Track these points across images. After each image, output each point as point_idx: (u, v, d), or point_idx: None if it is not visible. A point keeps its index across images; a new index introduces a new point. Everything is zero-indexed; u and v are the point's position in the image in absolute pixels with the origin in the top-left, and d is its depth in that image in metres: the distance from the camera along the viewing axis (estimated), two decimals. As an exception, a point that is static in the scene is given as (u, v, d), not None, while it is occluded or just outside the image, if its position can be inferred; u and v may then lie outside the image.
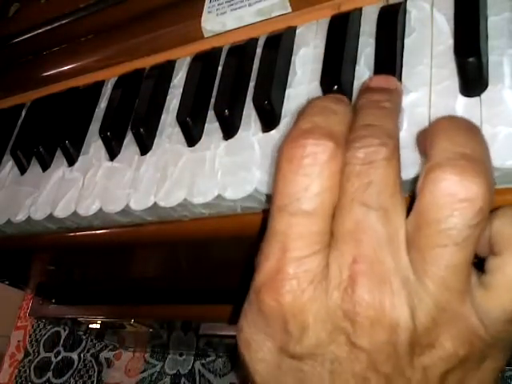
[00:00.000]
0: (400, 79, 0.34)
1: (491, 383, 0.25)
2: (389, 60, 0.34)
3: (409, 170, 0.30)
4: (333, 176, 0.24)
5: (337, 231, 0.24)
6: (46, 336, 0.89)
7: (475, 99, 0.31)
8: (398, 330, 0.22)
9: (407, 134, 0.32)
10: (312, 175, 0.23)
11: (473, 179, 0.22)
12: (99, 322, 0.72)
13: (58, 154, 0.48)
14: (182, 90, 0.44)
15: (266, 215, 0.37)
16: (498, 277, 0.24)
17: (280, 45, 0.40)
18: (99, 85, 0.51)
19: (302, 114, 0.26)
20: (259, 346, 0.25)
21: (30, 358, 0.89)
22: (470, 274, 0.23)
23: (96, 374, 0.85)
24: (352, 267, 0.23)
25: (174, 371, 0.84)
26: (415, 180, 0.24)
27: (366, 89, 0.30)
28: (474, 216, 0.22)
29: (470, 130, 0.24)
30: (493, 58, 0.32)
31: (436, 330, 0.23)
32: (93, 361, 0.86)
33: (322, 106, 0.26)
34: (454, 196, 0.22)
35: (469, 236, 0.22)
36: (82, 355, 0.86)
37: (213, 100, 0.42)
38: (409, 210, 0.24)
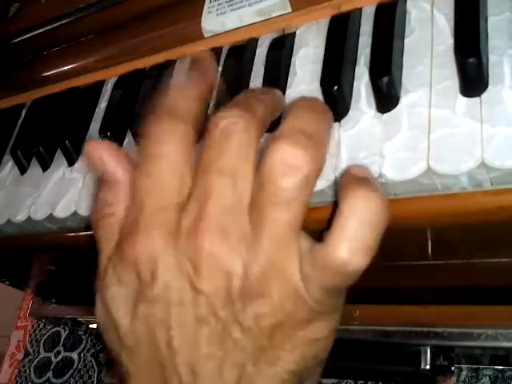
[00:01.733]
0: (400, 78, 0.34)
1: (318, 344, 0.28)
2: (384, 53, 0.34)
3: (409, 170, 0.31)
4: (185, 144, 0.27)
5: (192, 192, 0.27)
6: (46, 336, 0.89)
7: (475, 99, 0.31)
8: (232, 277, 0.25)
9: (407, 134, 0.32)
10: (165, 144, 0.27)
11: (303, 151, 0.25)
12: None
13: (58, 153, 0.48)
14: (182, 90, 0.44)
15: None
16: (322, 254, 0.26)
17: (280, 45, 0.40)
18: (99, 85, 0.51)
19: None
20: (119, 299, 0.28)
21: (29, 358, 0.89)
22: (297, 236, 0.26)
23: (96, 374, 0.85)
24: (198, 221, 0.26)
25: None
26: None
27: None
28: (300, 181, 0.25)
29: (318, 113, 0.29)
30: (493, 58, 0.32)
31: (266, 282, 0.26)
32: (93, 361, 0.86)
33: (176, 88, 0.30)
34: (285, 163, 0.25)
35: (296, 197, 0.25)
36: (82, 355, 0.86)
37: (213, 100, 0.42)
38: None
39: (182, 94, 0.29)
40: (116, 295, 0.28)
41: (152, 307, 0.26)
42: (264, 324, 0.26)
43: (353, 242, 0.25)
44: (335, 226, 0.26)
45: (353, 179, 0.28)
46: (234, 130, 0.27)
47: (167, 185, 0.27)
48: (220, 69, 0.43)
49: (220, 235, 0.25)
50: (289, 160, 0.25)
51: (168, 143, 0.27)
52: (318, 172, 0.26)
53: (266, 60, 0.41)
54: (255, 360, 0.26)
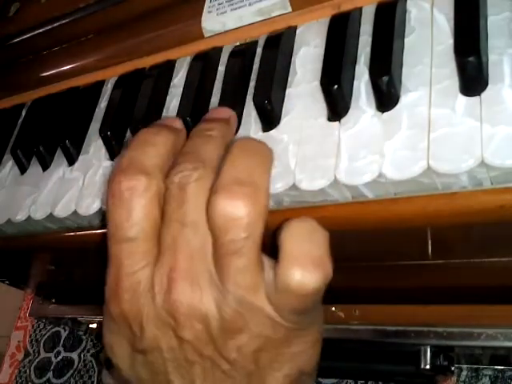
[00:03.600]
0: (400, 78, 0.34)
1: (303, 357, 0.30)
2: (384, 52, 0.34)
3: (409, 169, 0.31)
4: (149, 204, 0.28)
5: (161, 247, 0.29)
6: (46, 336, 0.89)
7: (475, 99, 0.31)
8: (209, 320, 0.28)
9: (407, 133, 0.32)
10: (130, 207, 0.28)
11: (239, 202, 0.27)
12: (99, 321, 0.72)
13: (58, 153, 0.48)
14: (181, 89, 0.44)
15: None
16: (279, 282, 0.27)
17: (280, 45, 0.40)
18: (99, 85, 0.51)
19: (127, 146, 0.31)
20: (118, 347, 0.31)
21: (29, 358, 0.89)
22: (258, 272, 0.28)
23: (96, 374, 0.85)
24: (169, 275, 0.28)
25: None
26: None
27: (201, 120, 0.35)
28: (243, 230, 0.27)
29: (253, 155, 0.30)
30: (493, 58, 0.32)
31: (242, 318, 0.28)
32: (93, 361, 0.86)
33: (142, 140, 0.31)
34: (226, 216, 0.27)
35: (243, 245, 0.27)
36: (82, 355, 0.86)
37: (213, 100, 0.42)
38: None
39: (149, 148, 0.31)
40: (115, 341, 0.31)
41: (147, 355, 0.30)
42: (247, 352, 0.28)
43: (299, 262, 0.27)
44: (281, 255, 0.27)
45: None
46: (188, 182, 0.28)
47: (141, 249, 0.29)
48: (220, 69, 0.43)
49: (191, 284, 0.28)
50: (228, 214, 0.27)
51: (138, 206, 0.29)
52: (261, 212, 0.27)
53: (260, 59, 0.41)
54: None
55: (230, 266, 0.27)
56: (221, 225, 0.27)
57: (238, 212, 0.27)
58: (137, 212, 0.28)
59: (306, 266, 0.27)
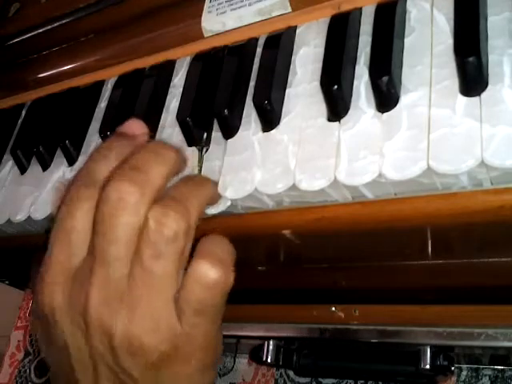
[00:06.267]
0: (400, 78, 0.34)
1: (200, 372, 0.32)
2: (384, 53, 0.34)
3: (409, 170, 0.31)
4: (86, 214, 0.31)
5: (89, 252, 0.31)
6: (46, 336, 0.89)
7: (475, 99, 0.31)
8: (113, 335, 0.30)
9: (407, 133, 0.32)
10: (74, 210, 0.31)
11: (172, 212, 0.30)
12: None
13: (58, 153, 0.48)
14: (181, 89, 0.44)
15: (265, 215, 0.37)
16: (188, 275, 0.31)
17: (280, 44, 0.40)
18: (99, 85, 0.51)
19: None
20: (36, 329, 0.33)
21: (29, 357, 0.88)
22: (172, 285, 0.30)
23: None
24: (87, 287, 0.30)
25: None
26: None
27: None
28: (173, 237, 0.30)
29: (190, 181, 0.34)
30: (493, 58, 0.32)
31: (145, 335, 0.30)
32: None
33: (97, 151, 0.33)
34: (158, 222, 0.30)
35: (169, 250, 0.30)
36: (82, 355, 0.86)
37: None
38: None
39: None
40: (35, 323, 0.34)
41: (54, 345, 0.32)
42: (148, 365, 0.30)
43: (207, 257, 0.30)
44: (193, 255, 0.31)
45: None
46: (122, 205, 0.30)
47: (73, 244, 0.31)
48: (220, 68, 0.43)
49: (103, 303, 0.30)
50: (159, 219, 0.30)
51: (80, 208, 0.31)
52: (190, 225, 0.31)
53: (260, 59, 0.41)
54: None
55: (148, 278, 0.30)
56: (152, 239, 0.29)
57: (174, 227, 0.30)
58: (81, 213, 0.31)
59: (212, 260, 0.30)
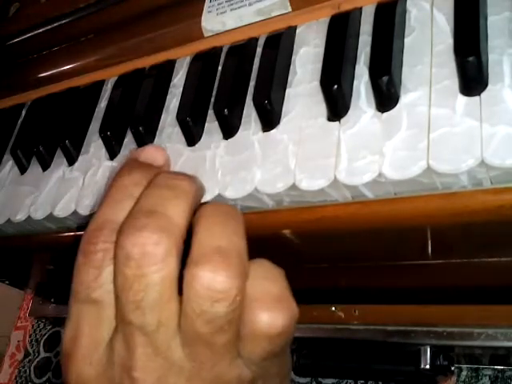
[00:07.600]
0: (400, 78, 0.34)
1: None
2: (384, 52, 0.34)
3: (409, 169, 0.31)
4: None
5: (120, 317, 0.26)
6: (46, 336, 0.89)
7: (475, 98, 0.31)
8: None
9: (407, 133, 0.32)
10: (101, 268, 0.26)
11: (225, 273, 0.24)
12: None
13: (58, 153, 0.48)
14: (181, 89, 0.44)
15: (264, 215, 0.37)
16: (247, 329, 0.25)
17: (280, 44, 0.40)
18: (99, 85, 0.51)
19: (104, 196, 0.28)
20: None
21: (29, 357, 0.89)
22: (235, 345, 0.26)
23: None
24: (128, 372, 0.25)
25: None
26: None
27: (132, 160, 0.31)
28: (231, 303, 0.24)
29: (229, 218, 0.27)
30: (493, 58, 0.32)
31: None
32: (93, 361, 0.86)
33: (115, 191, 0.28)
34: (210, 290, 0.24)
35: (231, 319, 0.25)
36: (81, 355, 0.86)
37: (213, 99, 0.42)
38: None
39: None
40: None
41: None
42: None
43: (262, 304, 0.25)
44: (248, 301, 0.26)
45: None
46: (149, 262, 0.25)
47: (103, 313, 0.27)
48: (220, 68, 0.43)
49: (157, 380, 0.25)
50: (212, 286, 0.24)
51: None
52: (244, 282, 0.25)
53: (260, 59, 0.41)
54: None
55: (209, 347, 0.25)
56: (204, 299, 0.24)
57: (224, 285, 0.24)
58: (106, 274, 0.26)
59: (272, 307, 0.26)
